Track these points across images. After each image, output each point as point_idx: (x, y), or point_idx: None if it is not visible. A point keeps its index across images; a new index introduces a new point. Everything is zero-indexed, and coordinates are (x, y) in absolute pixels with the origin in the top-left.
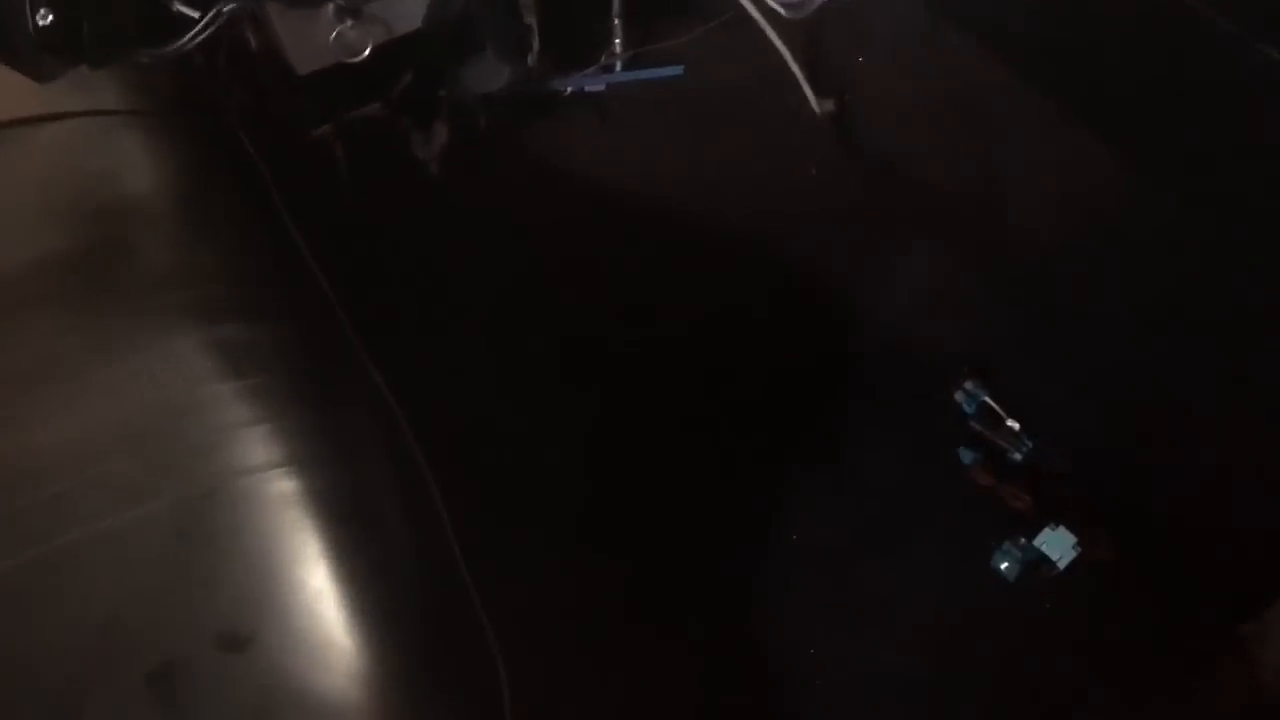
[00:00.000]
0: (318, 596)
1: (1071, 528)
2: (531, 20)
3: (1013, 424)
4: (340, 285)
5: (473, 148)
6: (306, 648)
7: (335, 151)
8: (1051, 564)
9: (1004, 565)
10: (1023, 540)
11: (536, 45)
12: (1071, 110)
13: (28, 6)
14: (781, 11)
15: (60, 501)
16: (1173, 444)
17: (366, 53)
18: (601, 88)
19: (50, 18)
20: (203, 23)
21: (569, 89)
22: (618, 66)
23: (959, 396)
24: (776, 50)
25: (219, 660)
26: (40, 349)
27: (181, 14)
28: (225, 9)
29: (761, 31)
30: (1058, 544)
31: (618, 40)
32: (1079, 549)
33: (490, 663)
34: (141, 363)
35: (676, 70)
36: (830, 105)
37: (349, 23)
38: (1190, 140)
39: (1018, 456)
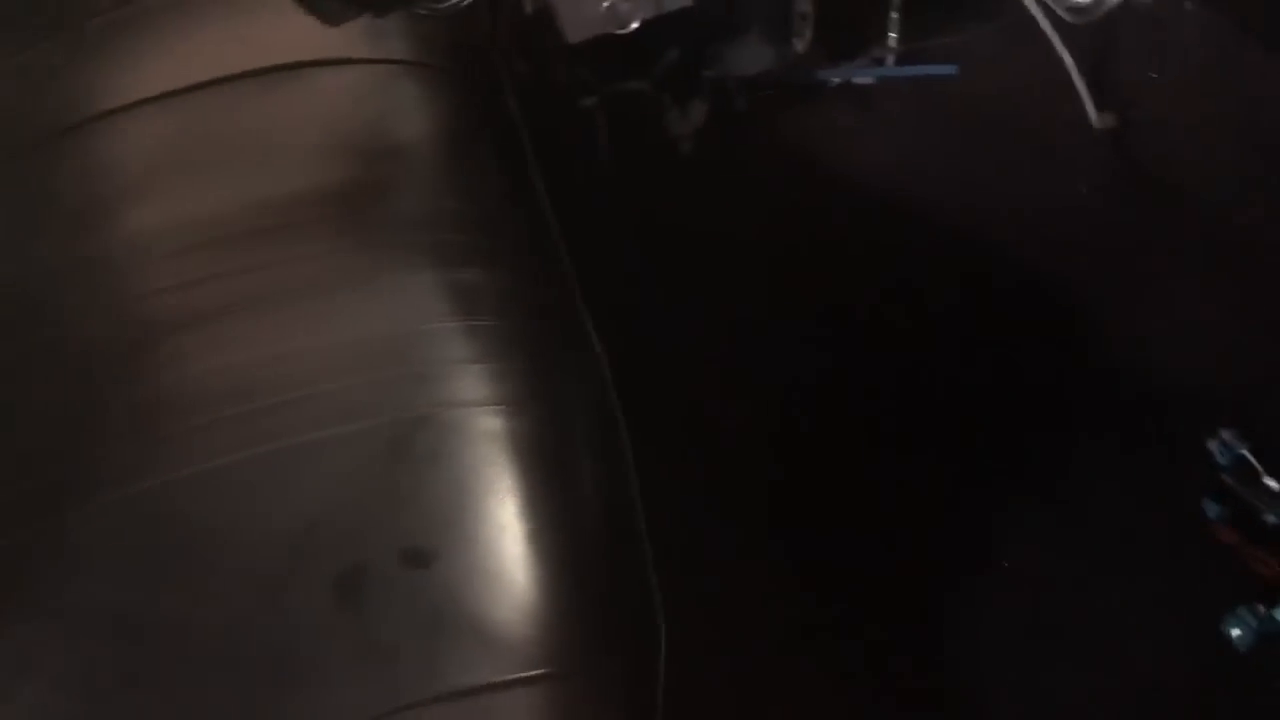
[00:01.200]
0: (502, 531)
1: None
2: (806, 7)
3: (1272, 483)
4: (576, 247)
5: (728, 128)
6: (484, 576)
7: (596, 121)
8: None
9: (1236, 632)
10: (1263, 609)
11: (809, 33)
12: None
13: None
14: (1066, 16)
15: (293, 407)
16: None
17: (635, 26)
18: (869, 81)
19: None
20: None
21: (835, 79)
22: (889, 61)
23: (1213, 445)
24: (1058, 57)
25: (402, 572)
26: (299, 270)
27: None
28: None
29: (1043, 36)
30: None
31: (892, 34)
32: None
33: (653, 625)
34: (384, 293)
35: (949, 70)
36: (1111, 120)
37: None
38: None
39: (1272, 519)
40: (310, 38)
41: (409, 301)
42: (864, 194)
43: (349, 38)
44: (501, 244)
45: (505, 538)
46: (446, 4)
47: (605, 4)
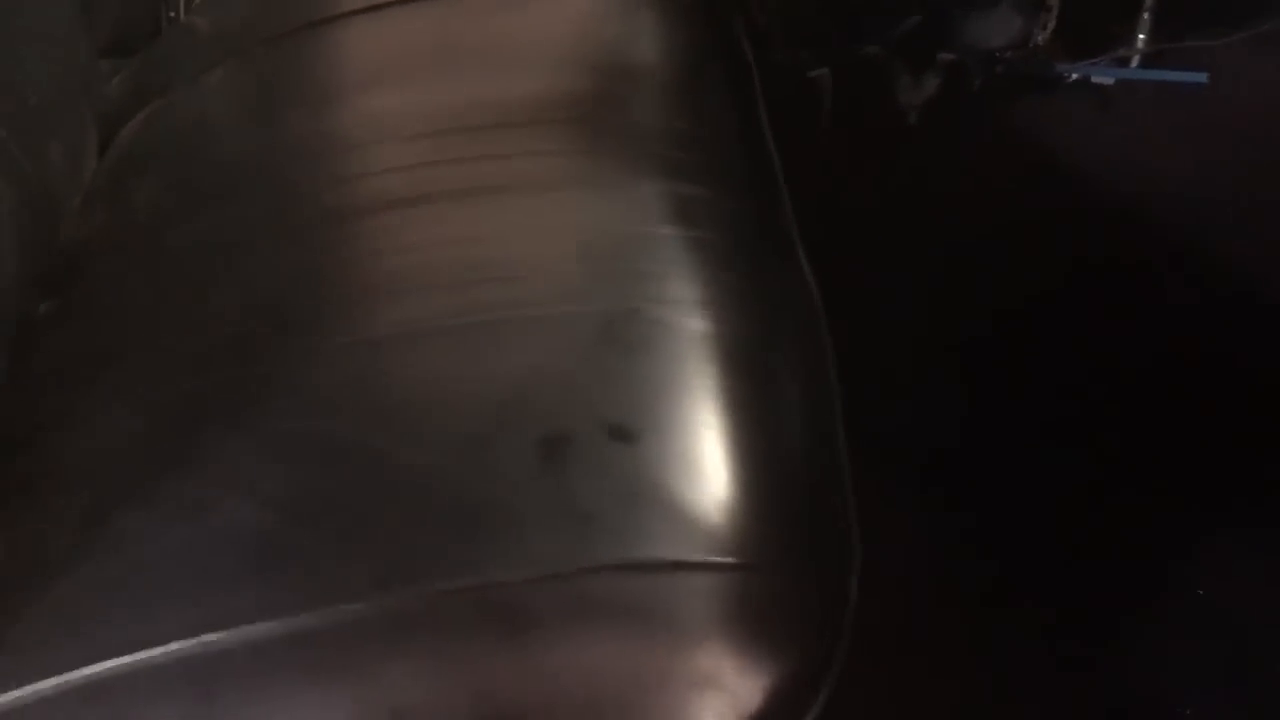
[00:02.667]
0: (705, 424)
1: None
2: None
3: None
4: (792, 186)
5: (959, 106)
6: (685, 462)
7: (822, 83)
8: None
9: None
10: None
11: (1053, 22)
12: None
13: None
14: None
15: (516, 283)
16: None
17: None
18: (1110, 81)
19: None
20: None
21: (1074, 74)
22: (1135, 61)
23: None
24: None
25: (606, 444)
26: (532, 164)
27: None
28: None
29: None
30: None
31: (1142, 35)
32: None
33: (847, 544)
34: (612, 194)
35: (1199, 77)
36: None
37: None
38: None
39: None
40: None
41: (634, 205)
42: (1090, 196)
43: None
44: (726, 167)
45: (708, 431)
46: None
47: None
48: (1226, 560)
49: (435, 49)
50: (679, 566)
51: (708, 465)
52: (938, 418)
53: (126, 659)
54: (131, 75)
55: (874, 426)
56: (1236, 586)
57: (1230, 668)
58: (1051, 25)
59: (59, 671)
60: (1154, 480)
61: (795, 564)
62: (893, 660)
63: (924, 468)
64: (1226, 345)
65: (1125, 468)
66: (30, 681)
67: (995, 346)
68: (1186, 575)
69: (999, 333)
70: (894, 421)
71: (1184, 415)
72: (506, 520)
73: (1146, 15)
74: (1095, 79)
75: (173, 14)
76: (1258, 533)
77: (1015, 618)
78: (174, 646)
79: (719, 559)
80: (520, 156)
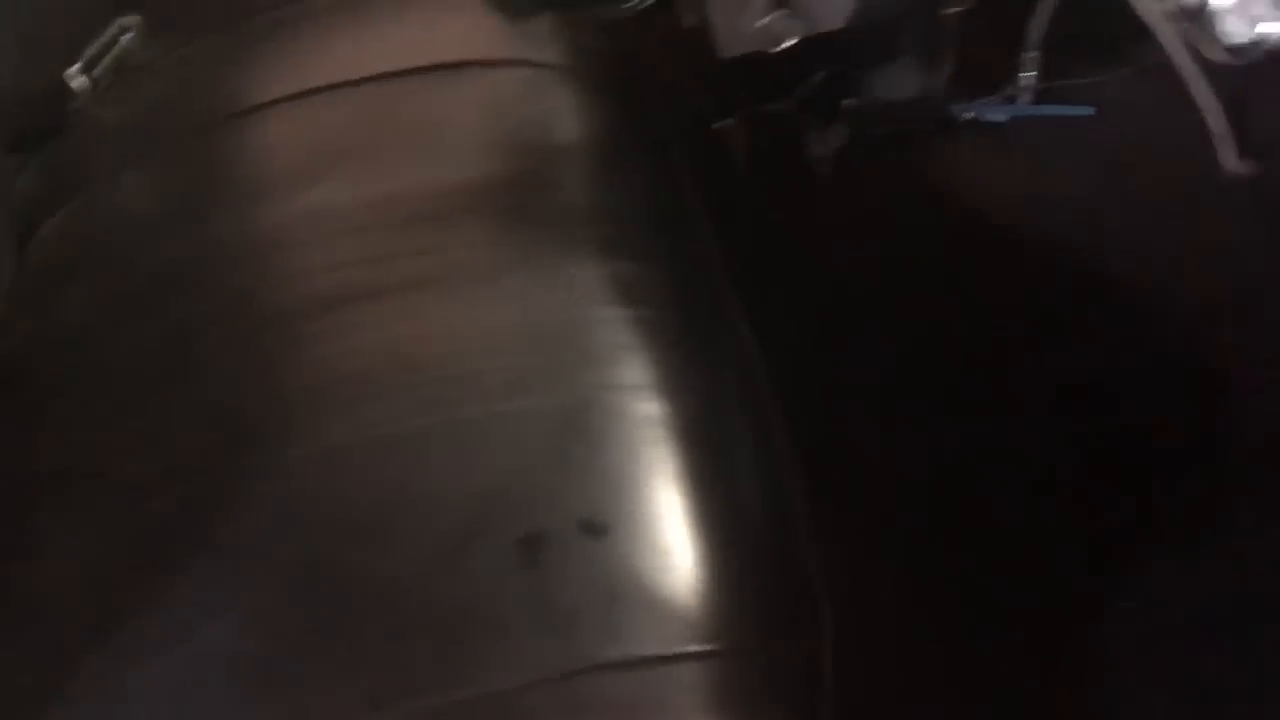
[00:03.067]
0: (669, 509)
1: None
2: (953, 36)
3: None
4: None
5: (867, 154)
6: (655, 553)
7: (735, 138)
8: None
9: None
10: None
11: (949, 65)
12: None
13: None
14: (1221, 58)
15: (469, 380)
16: None
17: (787, 45)
18: (1003, 118)
19: None
20: None
21: (969, 114)
22: (1023, 99)
23: None
24: (1199, 101)
25: (581, 541)
26: (468, 254)
27: None
28: None
29: (1183, 79)
30: None
31: (1030, 72)
32: None
33: (818, 609)
34: (549, 279)
35: (1087, 110)
36: (1253, 167)
37: (779, 13)
38: None
39: None
40: (472, 39)
41: (573, 289)
42: (992, 229)
43: (510, 41)
44: (658, 239)
45: (674, 517)
46: (622, 8)
47: (761, 22)
48: (1159, 575)
49: (362, 137)
50: (664, 660)
51: (678, 553)
52: (856, 455)
53: None
54: (42, 171)
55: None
56: (1167, 599)
57: (1166, 679)
58: (949, 66)
59: None
60: (1075, 503)
61: (773, 644)
62: None
63: (838, 501)
64: (1133, 361)
65: (1046, 490)
66: None
67: (916, 382)
68: (1119, 591)
69: (919, 366)
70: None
71: (1101, 436)
72: (492, 627)
73: (1033, 54)
74: (989, 118)
75: (77, 105)
76: (1182, 548)
77: (944, 640)
78: None
79: (701, 648)
80: (457, 247)
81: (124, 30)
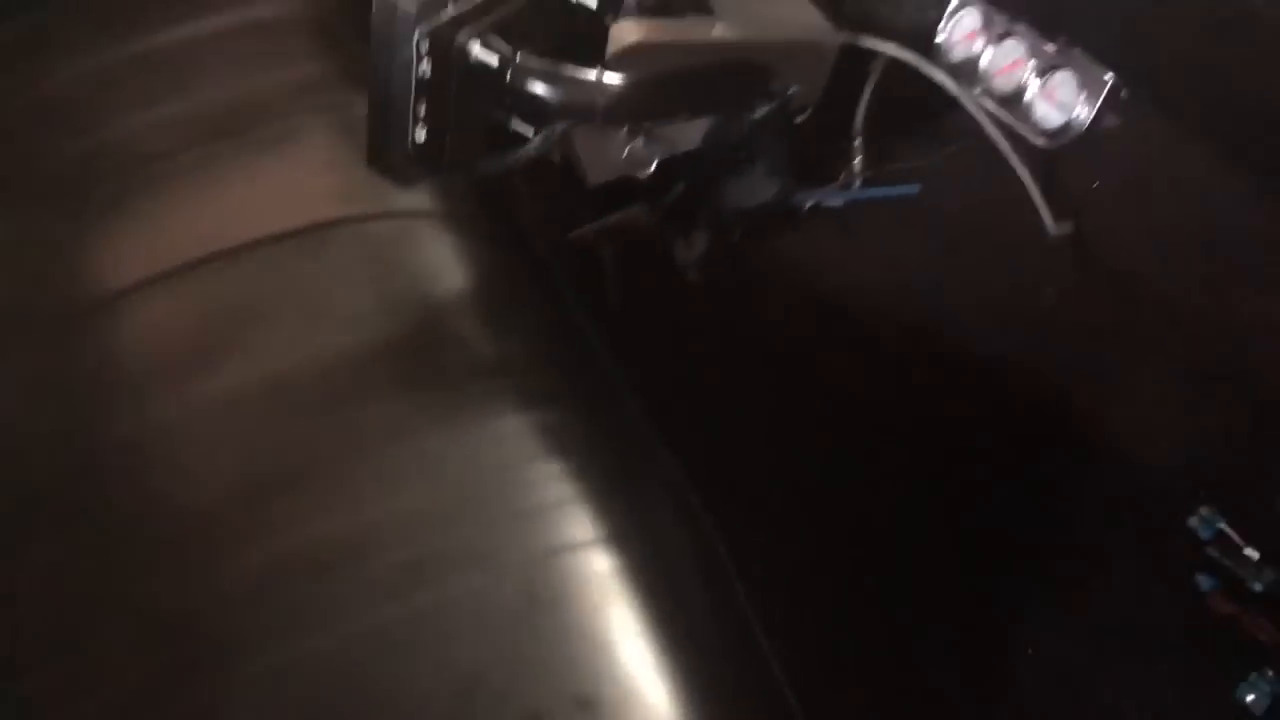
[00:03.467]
0: (643, 665)
1: None
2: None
3: (1251, 553)
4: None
5: (728, 255)
6: (640, 712)
7: (604, 254)
8: None
9: (1250, 698)
10: (1271, 673)
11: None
12: None
13: (410, 124)
14: (1039, 142)
15: (416, 564)
16: None
17: (653, 167)
18: (839, 204)
19: (425, 134)
20: (538, 140)
21: (810, 203)
22: (854, 185)
23: (1193, 522)
24: (1013, 172)
25: (578, 718)
26: (385, 423)
27: (516, 131)
28: (559, 129)
29: (998, 154)
30: None
31: (857, 160)
32: None
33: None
34: (472, 440)
35: (911, 189)
36: (1067, 228)
37: (640, 141)
38: None
39: (1259, 587)
40: (338, 194)
41: (500, 446)
42: (848, 306)
43: (377, 192)
44: (569, 379)
45: (647, 672)
46: (507, 160)
47: (625, 150)
48: (1042, 626)
49: (248, 312)
50: None
51: (657, 710)
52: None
53: None
54: None
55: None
56: (1062, 646)
57: (1067, 713)
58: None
59: None
60: (953, 560)
61: None
62: None
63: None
64: (977, 424)
65: (934, 545)
66: None
67: (790, 454)
68: (1015, 638)
69: (792, 441)
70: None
71: (968, 493)
72: None
73: (857, 142)
74: (827, 204)
75: None
76: (1057, 596)
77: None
78: None
79: None
80: (372, 419)
81: None
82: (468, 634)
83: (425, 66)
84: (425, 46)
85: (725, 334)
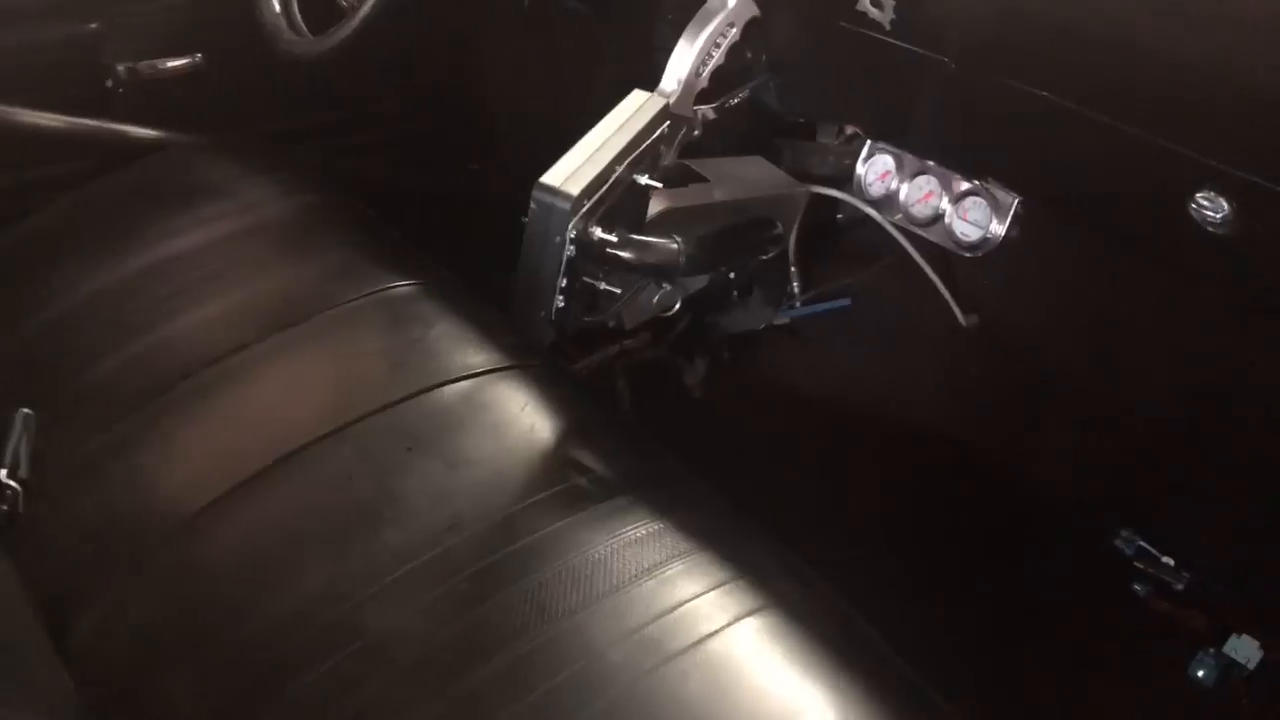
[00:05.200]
0: (820, 696)
1: (1252, 634)
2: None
3: (1168, 561)
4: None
5: (722, 375)
6: None
7: (618, 380)
8: (1242, 667)
9: (1201, 673)
10: (1212, 650)
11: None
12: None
13: (554, 295)
14: (962, 253)
15: (572, 686)
16: None
17: (676, 308)
18: (787, 320)
19: (563, 302)
20: (624, 296)
21: (762, 325)
22: (797, 304)
23: (1118, 544)
24: (928, 280)
25: None
26: (552, 545)
27: (607, 290)
28: (639, 285)
29: (914, 265)
30: (1244, 649)
31: (795, 283)
32: (1262, 651)
33: None
34: (623, 544)
35: (844, 302)
36: (975, 319)
37: (666, 288)
38: None
39: (1180, 586)
40: (418, 363)
41: (651, 550)
42: (814, 405)
43: (449, 357)
44: (668, 487)
45: (832, 697)
46: (602, 317)
47: (655, 298)
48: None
49: (383, 477)
50: None
51: None
52: None
53: None
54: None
55: None
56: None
57: None
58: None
59: None
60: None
61: None
62: None
63: None
64: (929, 489)
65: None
66: None
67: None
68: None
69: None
70: None
71: (933, 545)
72: None
73: (794, 269)
74: (778, 322)
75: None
76: (1020, 622)
77: None
78: None
79: None
80: (541, 539)
81: (26, 424)
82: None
83: (571, 249)
84: (573, 234)
85: (727, 436)
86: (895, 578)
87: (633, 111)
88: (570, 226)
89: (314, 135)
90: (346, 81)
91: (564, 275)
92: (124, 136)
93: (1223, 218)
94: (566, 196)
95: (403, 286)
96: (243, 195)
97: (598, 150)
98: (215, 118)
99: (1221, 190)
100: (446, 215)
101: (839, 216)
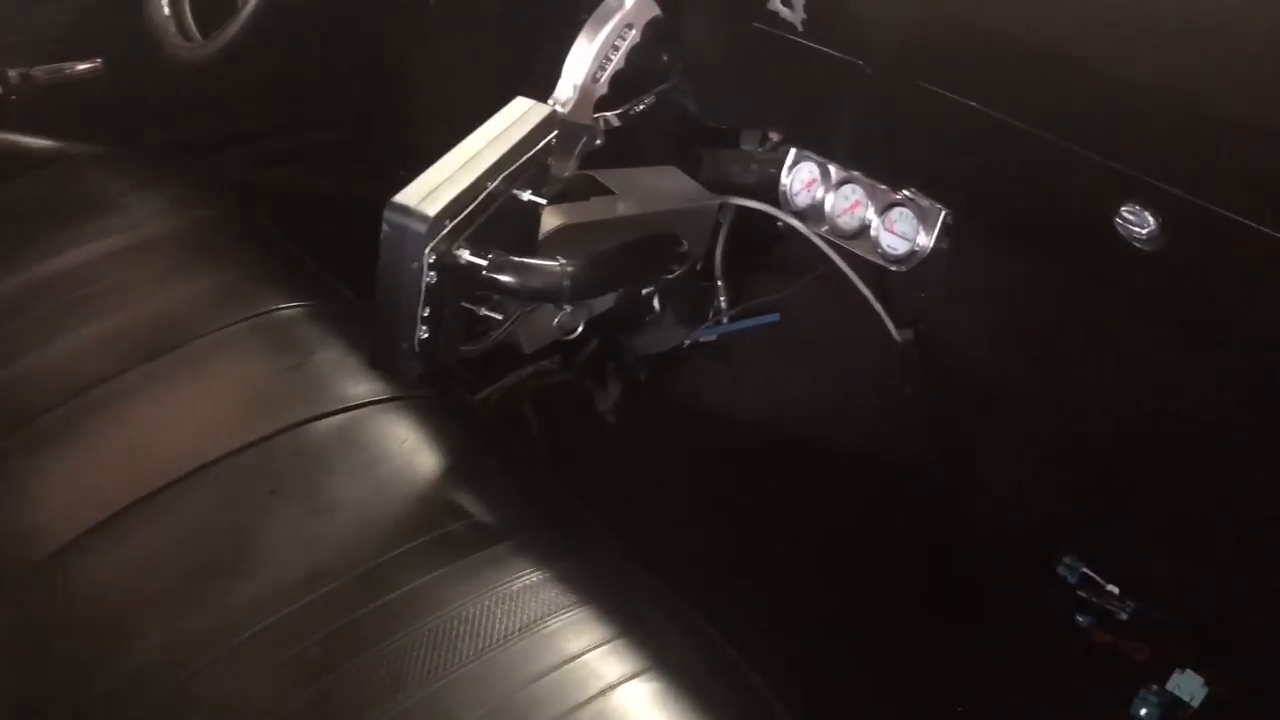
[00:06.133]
0: None
1: (1196, 669)
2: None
3: (1112, 588)
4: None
5: (638, 398)
6: None
7: (525, 409)
8: (1186, 705)
9: (1143, 711)
10: (1155, 687)
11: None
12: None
13: (416, 326)
14: (891, 266)
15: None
16: (1267, 579)
17: (580, 330)
18: (714, 338)
19: (427, 332)
20: (507, 323)
21: (687, 342)
22: (724, 320)
23: (1061, 570)
24: (859, 293)
25: None
26: (416, 600)
27: (488, 316)
28: (521, 313)
29: (845, 279)
30: (1188, 686)
31: (721, 298)
32: (1207, 688)
33: None
34: (499, 599)
35: (774, 317)
36: (909, 334)
37: (567, 309)
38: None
39: (1124, 615)
40: (291, 396)
41: (524, 603)
42: (737, 428)
43: (327, 388)
44: (561, 532)
45: None
46: (482, 346)
47: (555, 319)
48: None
49: (241, 523)
50: None
51: None
52: None
53: None
54: None
55: None
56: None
57: None
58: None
59: None
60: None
61: None
62: None
63: None
64: (859, 507)
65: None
66: None
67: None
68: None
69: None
70: None
71: (867, 571)
72: None
73: (720, 283)
74: (703, 339)
75: None
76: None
77: None
78: None
79: None
80: (407, 596)
81: None
82: None
83: (431, 276)
84: (432, 259)
85: (641, 465)
86: (825, 616)
87: (512, 121)
88: (429, 250)
89: (224, 144)
90: (242, 88)
91: (426, 304)
92: (16, 146)
93: (1148, 233)
94: (422, 217)
95: (289, 309)
96: (132, 210)
97: (466, 164)
98: (117, 127)
99: (1147, 204)
100: (367, 227)
101: (779, 224)
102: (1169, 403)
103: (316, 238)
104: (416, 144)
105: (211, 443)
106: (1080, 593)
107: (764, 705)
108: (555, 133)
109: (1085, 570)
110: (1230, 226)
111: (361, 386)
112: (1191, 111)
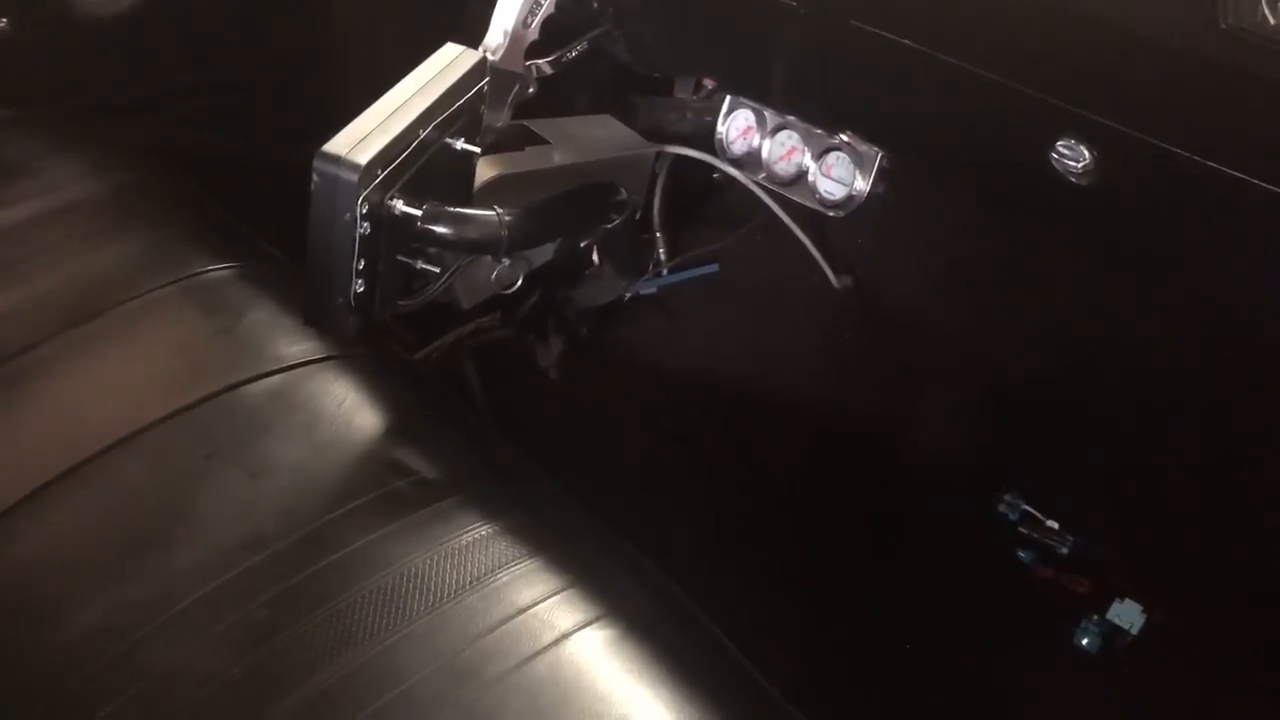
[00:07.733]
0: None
1: (1135, 598)
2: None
3: (1052, 524)
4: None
5: (580, 352)
6: None
7: (465, 367)
8: (1125, 632)
9: (1085, 641)
10: (1095, 617)
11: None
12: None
13: (351, 280)
14: (828, 212)
15: (446, 673)
16: (1200, 509)
17: (519, 284)
18: (654, 290)
19: (363, 286)
20: (445, 277)
21: (628, 295)
22: (664, 272)
23: (1003, 509)
24: (798, 241)
25: None
26: (366, 558)
27: (424, 269)
28: (459, 265)
29: (784, 227)
30: (1127, 614)
31: (660, 250)
32: (1145, 614)
33: None
34: (449, 554)
35: (713, 268)
36: (848, 281)
37: (506, 263)
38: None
39: (1064, 550)
40: (220, 359)
41: (474, 557)
42: (680, 379)
43: (257, 350)
44: (508, 486)
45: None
46: (421, 299)
47: (493, 273)
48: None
49: (179, 491)
50: None
51: None
52: None
53: None
54: None
55: None
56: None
57: (939, 698)
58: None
59: None
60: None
61: None
62: None
63: None
64: (808, 456)
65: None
66: None
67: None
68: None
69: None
70: None
71: (813, 519)
72: None
73: (659, 235)
74: (644, 292)
75: None
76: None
77: None
78: None
79: None
80: (355, 554)
81: None
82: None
83: (365, 227)
84: (365, 209)
85: (584, 418)
86: (767, 561)
87: (442, 67)
88: (361, 200)
89: (142, 108)
90: (156, 42)
91: (360, 256)
92: None
93: (1083, 167)
94: (353, 166)
95: (218, 270)
96: (48, 174)
97: (395, 111)
98: (28, 90)
99: (1081, 137)
100: (295, 189)
101: (714, 175)
102: (1106, 341)
103: (244, 201)
104: (342, 98)
105: (142, 409)
106: (1021, 529)
107: (718, 646)
108: (487, 79)
109: (1026, 508)
110: (1162, 155)
111: (296, 347)
112: (1124, 44)
